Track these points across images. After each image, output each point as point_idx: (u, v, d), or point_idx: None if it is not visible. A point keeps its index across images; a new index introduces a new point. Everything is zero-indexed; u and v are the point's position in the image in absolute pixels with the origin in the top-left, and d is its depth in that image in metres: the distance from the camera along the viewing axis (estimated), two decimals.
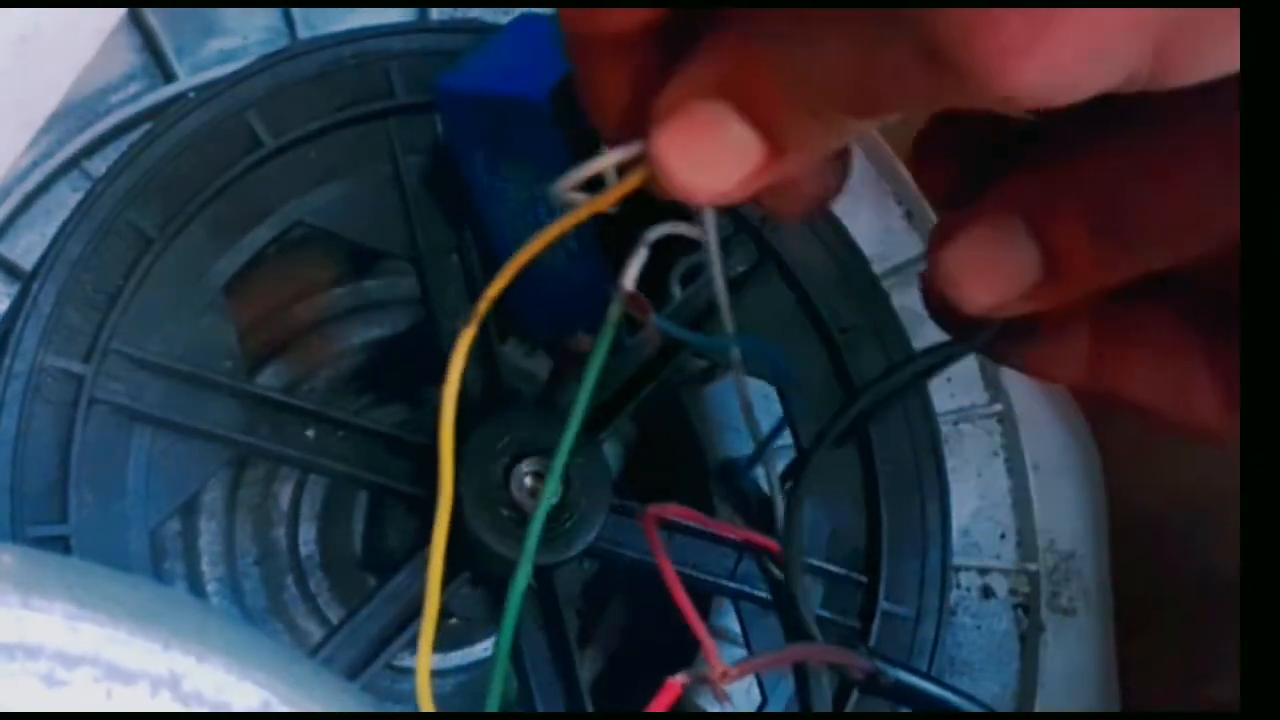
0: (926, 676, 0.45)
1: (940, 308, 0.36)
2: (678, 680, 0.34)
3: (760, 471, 0.47)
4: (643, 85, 0.32)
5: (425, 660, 0.37)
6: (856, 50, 0.27)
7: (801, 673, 0.44)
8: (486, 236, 0.51)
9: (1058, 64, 0.25)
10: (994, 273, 0.33)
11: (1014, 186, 0.33)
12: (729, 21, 0.30)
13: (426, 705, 0.37)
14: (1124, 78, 0.26)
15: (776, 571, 0.44)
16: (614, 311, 0.37)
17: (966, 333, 0.37)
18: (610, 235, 0.36)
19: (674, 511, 0.41)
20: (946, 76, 0.26)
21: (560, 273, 0.45)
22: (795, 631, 0.41)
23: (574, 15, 0.32)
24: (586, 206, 0.34)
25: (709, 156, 0.31)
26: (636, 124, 0.32)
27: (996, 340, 0.37)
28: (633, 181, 0.33)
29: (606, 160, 0.33)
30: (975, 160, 0.35)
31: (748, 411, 0.44)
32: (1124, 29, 0.25)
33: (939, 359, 0.41)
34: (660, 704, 0.34)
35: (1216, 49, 0.26)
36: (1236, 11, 0.25)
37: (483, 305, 0.38)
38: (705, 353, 0.49)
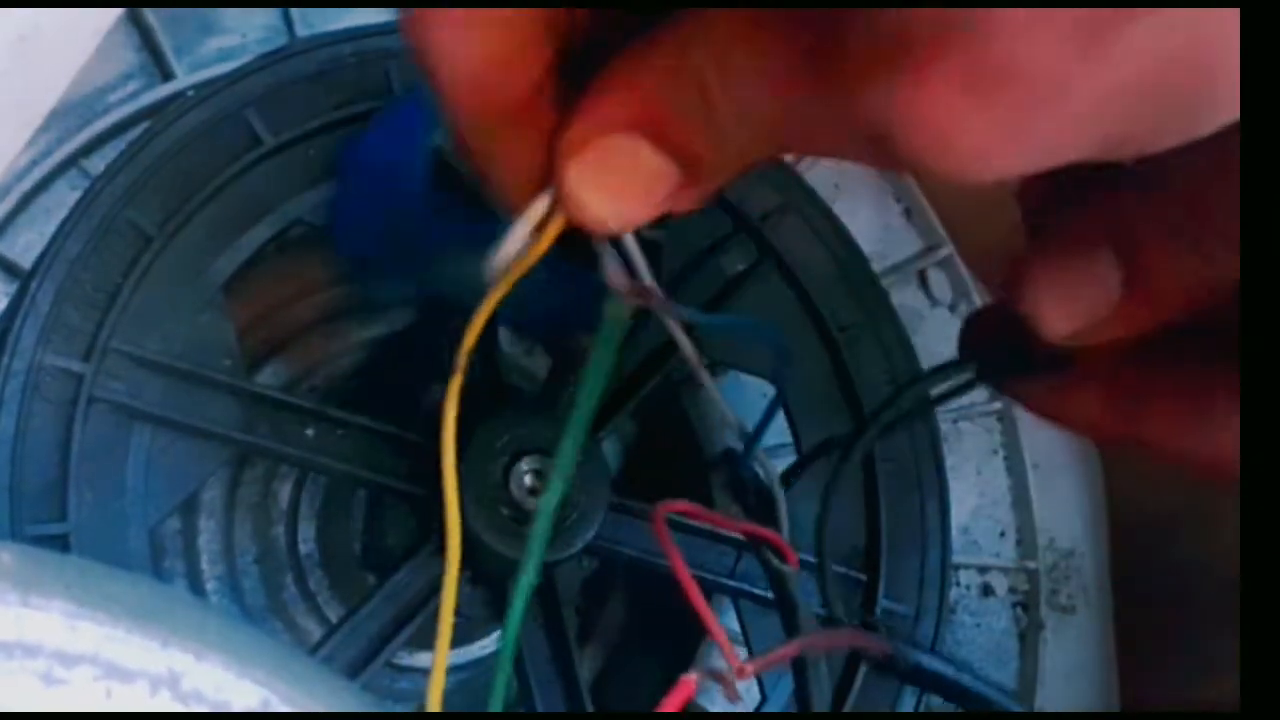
0: (942, 659, 0.45)
1: (979, 339, 0.36)
2: (691, 678, 0.34)
3: (759, 462, 0.47)
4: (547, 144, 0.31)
5: (441, 663, 0.37)
6: (780, 108, 0.27)
7: (801, 670, 0.44)
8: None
9: (1005, 158, 0.25)
10: (1078, 298, 0.32)
11: (1097, 210, 0.32)
12: (638, 56, 0.29)
13: (435, 705, 0.37)
14: (1092, 154, 0.26)
15: (777, 563, 0.44)
16: (612, 310, 0.37)
17: (991, 367, 0.37)
18: (573, 244, 0.36)
19: (682, 508, 0.41)
20: (882, 155, 0.25)
21: (542, 295, 0.45)
22: (795, 625, 0.41)
23: (460, 98, 0.31)
24: (516, 270, 0.34)
25: (622, 187, 0.30)
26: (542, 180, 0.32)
27: (1016, 379, 0.37)
28: (554, 230, 0.32)
29: (523, 229, 0.32)
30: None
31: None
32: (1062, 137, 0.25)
33: (950, 387, 0.40)
34: (673, 702, 0.34)
35: (1189, 117, 0.25)
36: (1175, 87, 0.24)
37: (462, 358, 0.38)
38: (706, 336, 0.49)
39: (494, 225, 0.39)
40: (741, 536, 0.46)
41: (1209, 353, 0.33)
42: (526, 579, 0.37)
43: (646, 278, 0.37)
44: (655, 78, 0.29)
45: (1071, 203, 0.32)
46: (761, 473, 0.47)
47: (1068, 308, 0.32)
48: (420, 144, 0.43)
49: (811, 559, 0.57)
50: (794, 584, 0.43)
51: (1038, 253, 0.32)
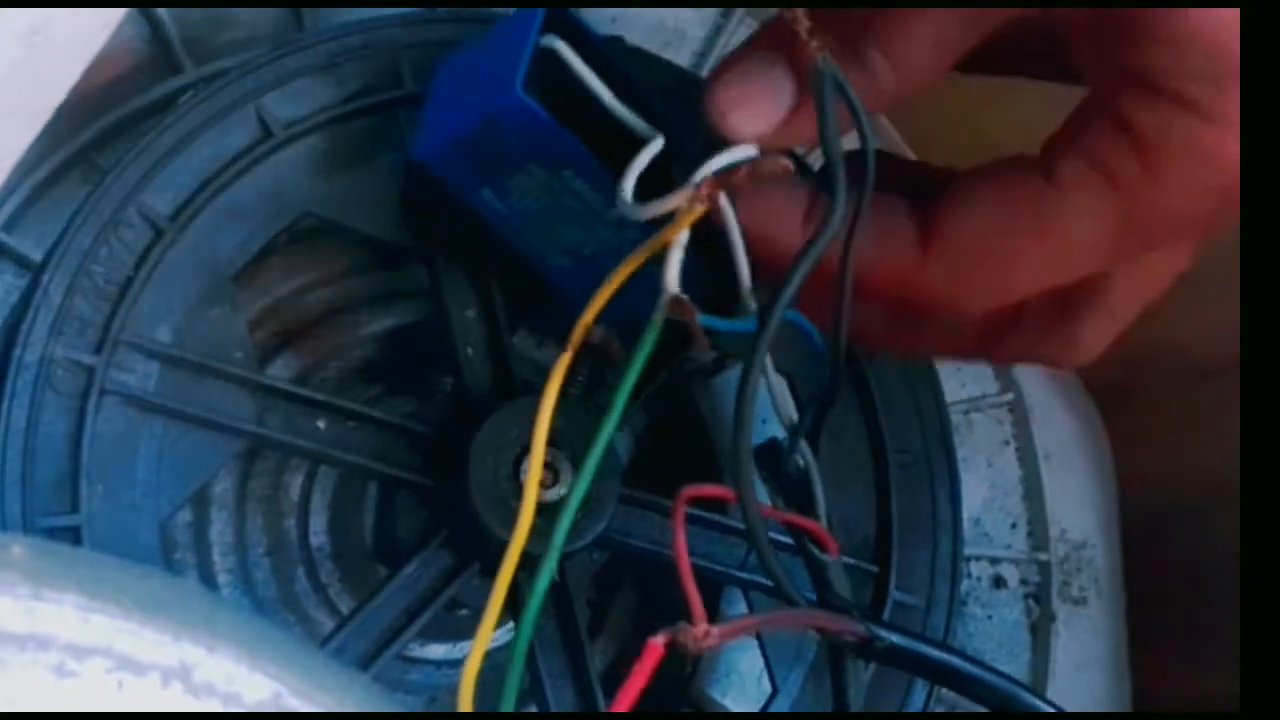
0: (924, 639, 0.45)
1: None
2: (659, 641, 0.34)
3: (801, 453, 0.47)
4: None
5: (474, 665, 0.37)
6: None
7: (839, 658, 0.44)
8: (515, 249, 0.51)
9: None
10: (757, 101, 0.38)
11: (777, 26, 0.37)
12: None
13: (467, 706, 0.37)
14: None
15: (816, 552, 0.44)
16: (658, 315, 0.38)
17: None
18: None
19: (713, 493, 0.41)
20: None
21: (614, 255, 0.46)
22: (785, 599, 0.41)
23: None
24: (659, 239, 0.39)
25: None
26: None
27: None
28: (698, 212, 0.37)
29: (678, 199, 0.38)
30: None
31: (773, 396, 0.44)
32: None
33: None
34: (644, 667, 0.34)
35: None
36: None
37: (577, 334, 0.41)
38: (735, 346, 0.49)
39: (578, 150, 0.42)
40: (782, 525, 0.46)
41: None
42: (542, 579, 0.37)
43: (746, 281, 0.39)
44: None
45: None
46: (804, 463, 0.47)
47: (750, 110, 0.38)
48: (521, 54, 0.43)
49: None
50: (834, 573, 0.43)
51: (725, 65, 0.39)
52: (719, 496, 0.42)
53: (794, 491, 0.47)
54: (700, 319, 0.38)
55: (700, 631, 0.34)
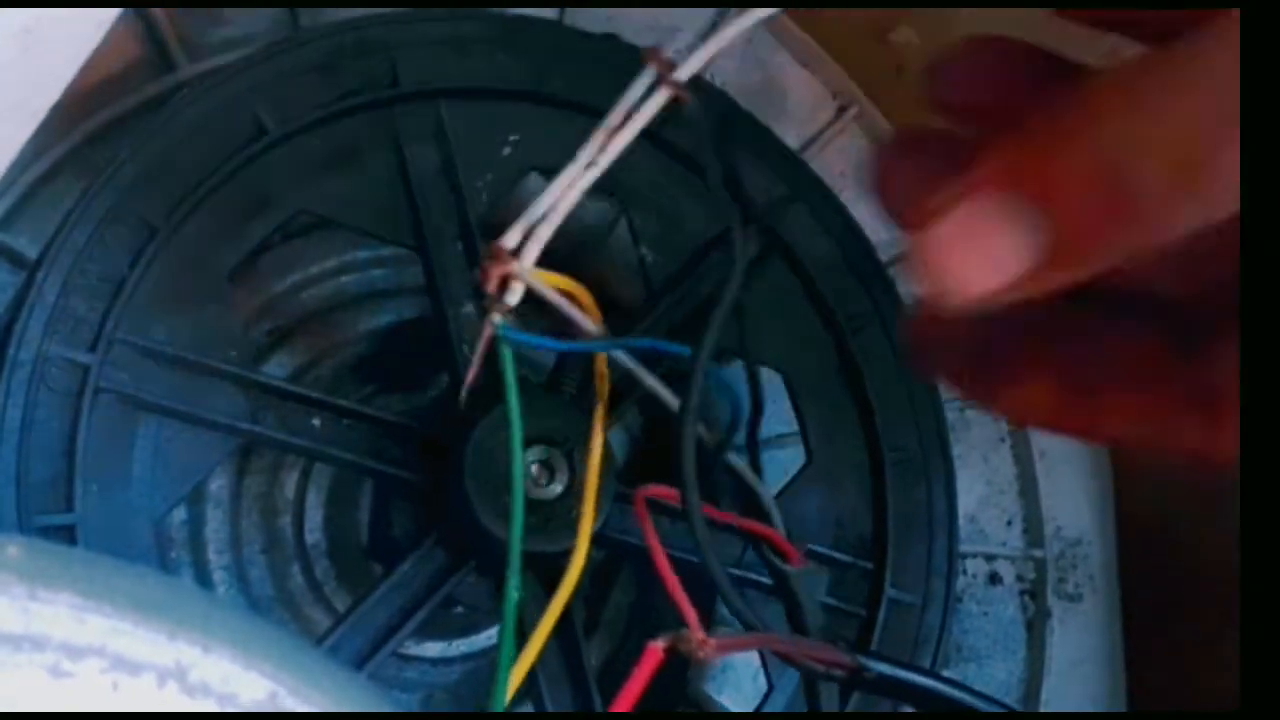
0: (913, 668, 0.45)
1: (917, 331, 0.34)
2: (658, 645, 0.34)
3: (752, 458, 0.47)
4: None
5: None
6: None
7: (803, 667, 0.44)
8: None
9: None
10: (990, 251, 0.28)
11: (1012, 151, 0.28)
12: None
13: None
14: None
15: (778, 561, 0.44)
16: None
17: (929, 366, 0.36)
18: None
19: (660, 493, 0.41)
20: None
21: None
22: (801, 622, 0.41)
23: None
24: None
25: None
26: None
27: (967, 376, 0.36)
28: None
29: None
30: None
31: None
32: None
33: None
34: (643, 670, 0.34)
35: None
36: None
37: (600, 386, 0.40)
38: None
39: None
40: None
41: (1151, 337, 0.32)
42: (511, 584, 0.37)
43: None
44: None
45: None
46: (747, 479, 0.46)
47: (980, 262, 0.28)
48: None
49: (819, 549, 0.57)
50: (796, 582, 0.43)
51: (940, 207, 0.29)
52: (667, 497, 0.42)
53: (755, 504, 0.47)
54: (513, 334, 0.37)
55: (698, 641, 0.34)
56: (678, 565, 0.38)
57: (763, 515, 0.46)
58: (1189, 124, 0.26)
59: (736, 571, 0.55)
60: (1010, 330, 0.33)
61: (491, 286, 0.35)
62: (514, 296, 0.36)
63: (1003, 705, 0.42)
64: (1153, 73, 0.27)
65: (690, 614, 0.35)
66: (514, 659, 0.37)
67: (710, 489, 0.60)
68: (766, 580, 0.55)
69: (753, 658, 0.59)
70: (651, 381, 0.38)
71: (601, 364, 0.40)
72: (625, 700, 0.34)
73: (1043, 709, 0.67)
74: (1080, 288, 0.29)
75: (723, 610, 0.63)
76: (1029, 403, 0.34)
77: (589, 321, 0.37)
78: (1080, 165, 0.27)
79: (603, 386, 0.40)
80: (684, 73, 0.34)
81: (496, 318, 0.35)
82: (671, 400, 0.38)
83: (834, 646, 0.41)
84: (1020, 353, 0.33)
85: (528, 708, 0.54)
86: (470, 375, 0.38)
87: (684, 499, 0.36)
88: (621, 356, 0.40)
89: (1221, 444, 0.30)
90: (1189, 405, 0.31)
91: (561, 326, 0.42)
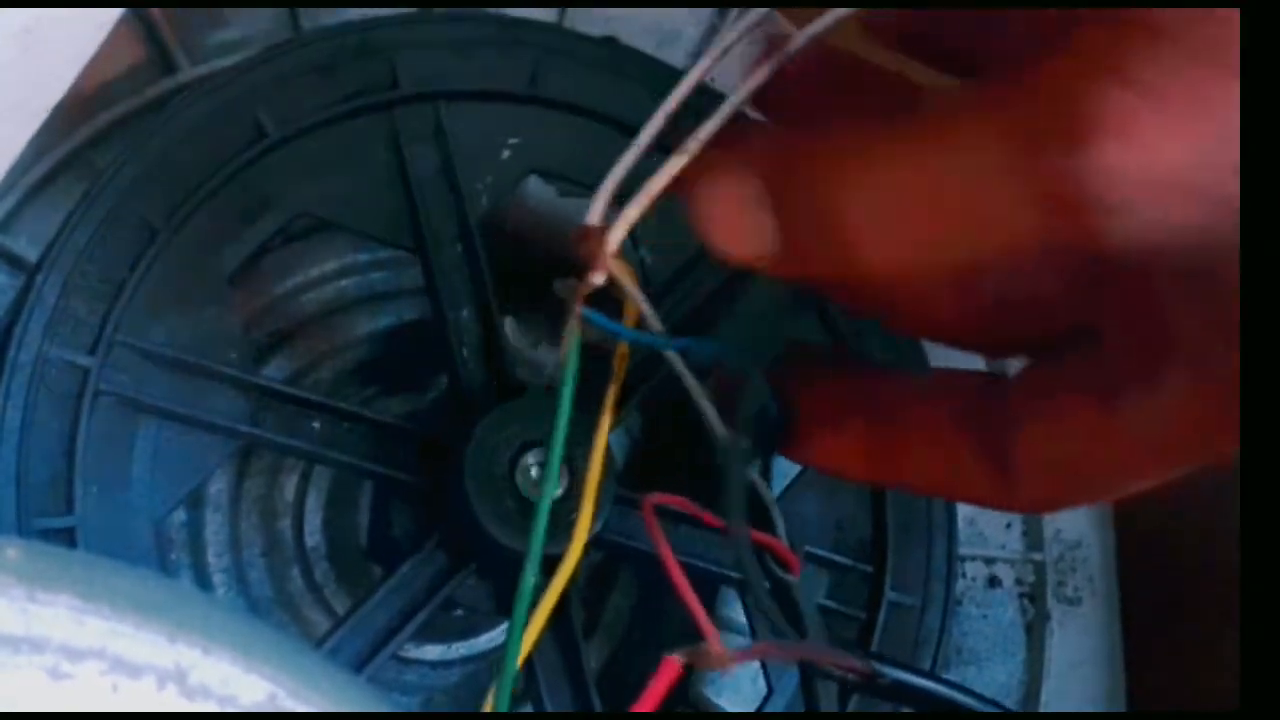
0: (927, 675, 0.45)
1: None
2: (676, 658, 0.34)
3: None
4: None
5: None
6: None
7: (807, 671, 0.44)
8: None
9: None
10: (734, 226, 0.31)
11: (773, 150, 0.32)
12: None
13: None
14: None
15: (778, 571, 0.44)
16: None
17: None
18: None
19: (668, 500, 0.41)
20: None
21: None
22: (802, 631, 0.41)
23: None
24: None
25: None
26: None
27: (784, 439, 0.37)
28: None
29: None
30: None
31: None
32: None
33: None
34: (660, 683, 0.34)
35: None
36: None
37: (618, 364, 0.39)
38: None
39: None
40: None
41: (947, 407, 0.34)
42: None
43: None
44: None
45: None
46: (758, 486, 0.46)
47: (732, 238, 0.32)
48: None
49: (819, 552, 0.57)
50: (798, 592, 0.43)
51: (711, 171, 0.32)
52: (676, 504, 0.42)
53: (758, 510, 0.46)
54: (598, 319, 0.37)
55: (716, 653, 0.34)
56: (687, 569, 0.38)
57: (765, 521, 0.46)
58: (910, 179, 0.28)
59: (736, 574, 0.55)
60: (829, 381, 0.37)
61: (596, 266, 0.35)
62: (599, 278, 0.36)
63: (1013, 714, 0.42)
64: (887, 132, 0.29)
65: (708, 627, 0.35)
66: (518, 655, 0.37)
67: (714, 489, 0.61)
68: (765, 583, 0.55)
69: (754, 661, 0.59)
70: (697, 392, 0.38)
71: (621, 363, 0.39)
72: (644, 708, 0.34)
73: (1042, 711, 0.67)
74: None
75: (723, 611, 0.63)
76: (840, 451, 0.36)
77: (656, 318, 0.37)
78: (808, 192, 0.30)
79: (616, 387, 0.40)
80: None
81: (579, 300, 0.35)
82: (718, 427, 0.37)
83: (849, 654, 0.41)
84: (835, 403, 0.36)
85: (528, 709, 0.54)
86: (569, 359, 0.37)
87: (730, 526, 0.36)
88: (674, 359, 0.40)
89: (1014, 501, 0.33)
90: (979, 462, 0.33)
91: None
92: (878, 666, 0.40)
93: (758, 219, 0.31)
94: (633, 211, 0.34)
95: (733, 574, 0.55)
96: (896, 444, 0.35)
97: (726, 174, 0.31)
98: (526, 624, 0.37)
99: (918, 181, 0.28)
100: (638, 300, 0.36)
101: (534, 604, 0.41)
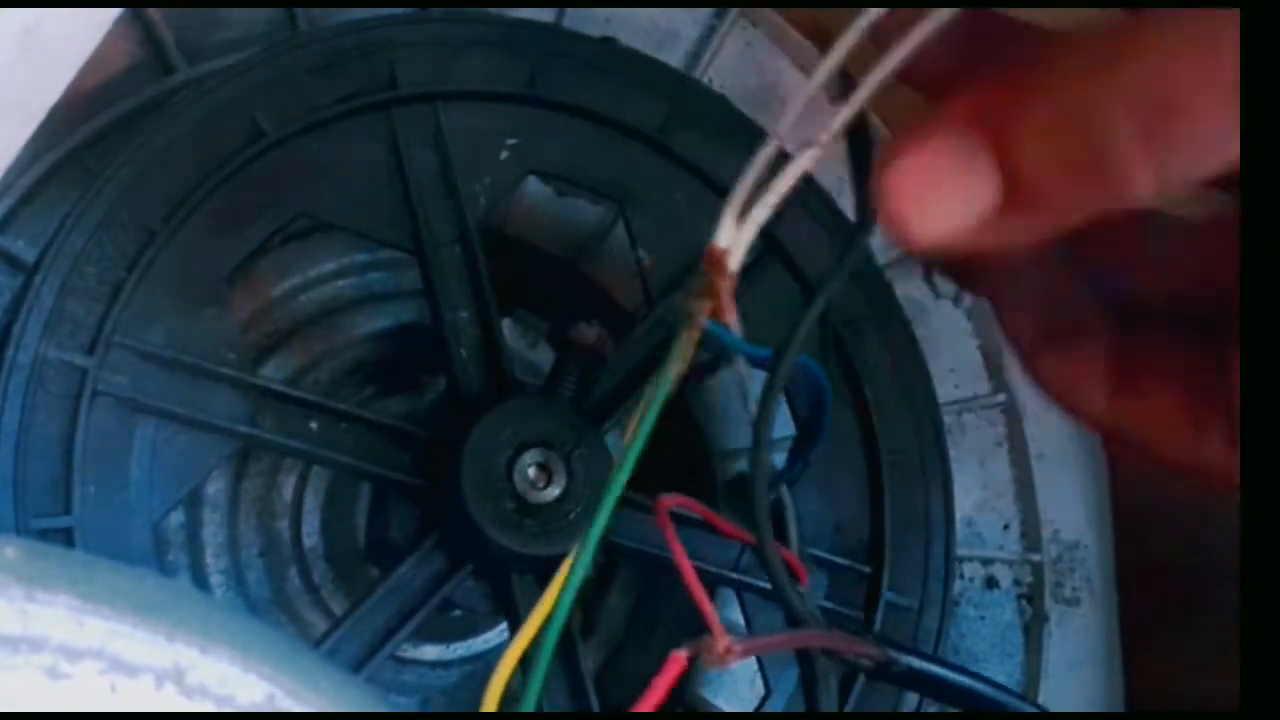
0: (939, 661, 0.45)
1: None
2: (681, 654, 0.34)
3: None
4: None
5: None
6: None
7: (808, 668, 0.44)
8: None
9: None
10: (947, 190, 0.28)
11: (975, 98, 0.28)
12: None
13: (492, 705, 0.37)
14: None
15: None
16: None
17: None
18: None
19: (682, 502, 0.41)
20: None
21: None
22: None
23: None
24: None
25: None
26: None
27: (1028, 339, 0.35)
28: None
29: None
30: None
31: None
32: None
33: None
34: (664, 678, 0.34)
35: None
36: None
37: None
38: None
39: None
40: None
41: (1196, 343, 0.32)
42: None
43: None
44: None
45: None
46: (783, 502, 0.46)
47: (934, 204, 0.28)
48: None
49: (817, 552, 0.57)
50: (806, 600, 0.43)
51: (906, 145, 0.29)
52: (687, 505, 0.42)
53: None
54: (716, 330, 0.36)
55: (722, 647, 0.34)
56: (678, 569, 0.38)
57: (779, 529, 0.46)
58: (1164, 71, 0.26)
59: (734, 575, 0.56)
60: (1070, 303, 0.34)
61: (720, 289, 0.34)
62: (731, 319, 0.34)
63: (1029, 701, 0.42)
64: (1124, 31, 0.27)
65: (715, 622, 0.35)
66: (552, 653, 0.37)
67: (710, 493, 0.61)
68: (763, 584, 0.55)
69: (750, 662, 0.59)
70: (753, 403, 0.38)
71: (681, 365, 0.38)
72: (646, 706, 0.34)
73: None
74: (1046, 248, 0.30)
75: (721, 611, 0.63)
76: (1084, 382, 0.34)
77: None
78: (1042, 111, 0.27)
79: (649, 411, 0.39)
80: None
81: (703, 316, 0.34)
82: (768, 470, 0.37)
83: (863, 639, 0.41)
84: (1076, 326, 0.34)
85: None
86: (676, 371, 0.36)
87: (758, 540, 0.36)
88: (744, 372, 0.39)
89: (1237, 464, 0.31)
90: (1218, 417, 0.32)
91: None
92: (891, 653, 0.40)
93: (973, 176, 0.28)
94: (760, 214, 0.31)
95: (731, 575, 0.55)
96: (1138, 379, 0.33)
97: (929, 137, 0.28)
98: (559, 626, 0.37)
99: (1171, 69, 0.26)
100: (732, 321, 0.35)
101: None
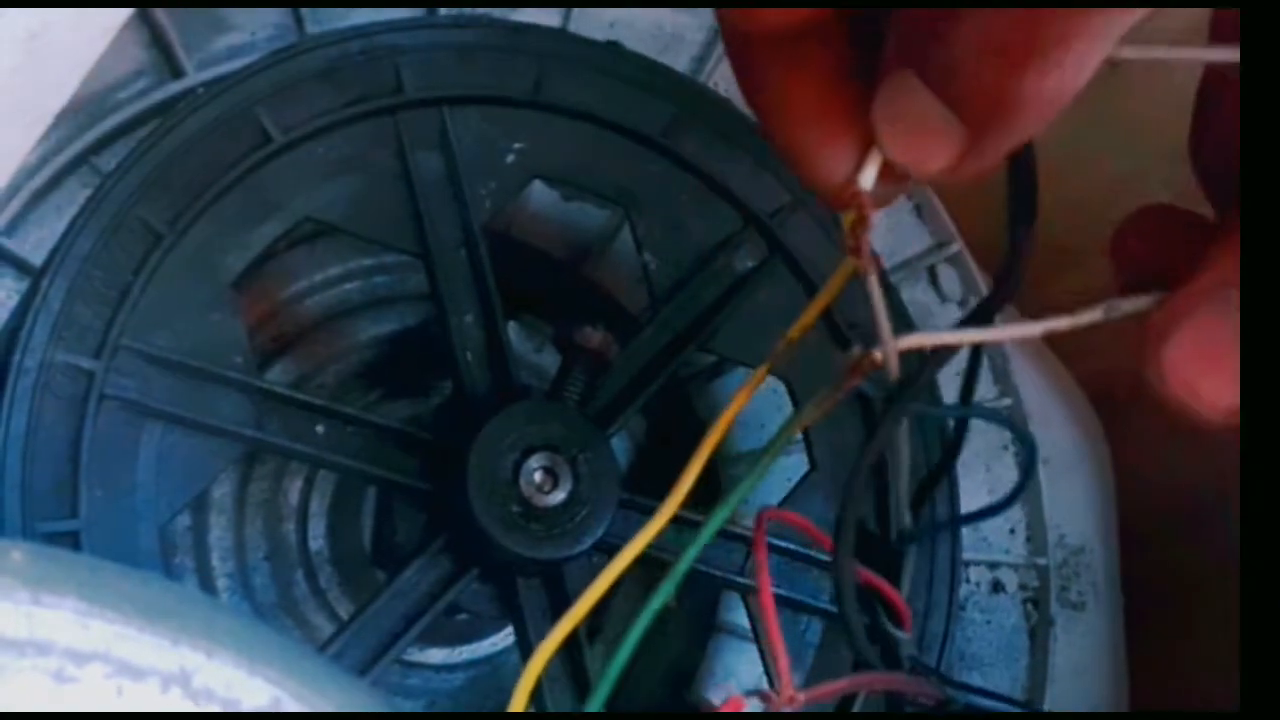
0: (997, 696, 0.44)
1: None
2: (743, 699, 0.35)
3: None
4: (824, 90, 0.31)
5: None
6: None
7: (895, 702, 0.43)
8: None
9: None
10: (1232, 364, 0.28)
11: (1226, 260, 0.29)
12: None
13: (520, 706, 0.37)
14: None
15: (890, 627, 0.43)
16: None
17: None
18: None
19: (786, 517, 0.41)
20: None
21: None
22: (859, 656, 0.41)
23: (729, 13, 0.30)
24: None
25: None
26: (825, 134, 0.31)
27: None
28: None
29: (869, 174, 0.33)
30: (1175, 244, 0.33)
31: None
32: None
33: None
34: (723, 711, 0.35)
35: None
36: None
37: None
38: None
39: None
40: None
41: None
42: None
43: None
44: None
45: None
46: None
47: (1229, 372, 0.28)
48: None
49: (822, 555, 0.57)
50: (904, 648, 0.42)
51: (1174, 318, 0.29)
52: (797, 524, 0.41)
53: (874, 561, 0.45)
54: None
55: (787, 696, 0.34)
56: (691, 573, 0.38)
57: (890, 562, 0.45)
58: None
59: (740, 580, 0.56)
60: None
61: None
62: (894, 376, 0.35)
63: (1037, 706, 0.42)
64: None
65: (784, 667, 0.35)
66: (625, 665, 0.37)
67: (715, 489, 0.60)
68: (772, 589, 0.55)
69: (755, 665, 0.59)
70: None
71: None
72: None
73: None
74: None
75: (725, 616, 0.63)
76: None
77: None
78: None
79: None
80: None
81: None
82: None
83: (925, 680, 0.41)
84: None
85: (530, 710, 0.54)
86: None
87: (835, 561, 0.36)
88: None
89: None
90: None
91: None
92: (951, 693, 0.40)
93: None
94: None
95: (737, 579, 0.55)
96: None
97: (1206, 308, 0.29)
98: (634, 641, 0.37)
99: None
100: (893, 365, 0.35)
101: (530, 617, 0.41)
